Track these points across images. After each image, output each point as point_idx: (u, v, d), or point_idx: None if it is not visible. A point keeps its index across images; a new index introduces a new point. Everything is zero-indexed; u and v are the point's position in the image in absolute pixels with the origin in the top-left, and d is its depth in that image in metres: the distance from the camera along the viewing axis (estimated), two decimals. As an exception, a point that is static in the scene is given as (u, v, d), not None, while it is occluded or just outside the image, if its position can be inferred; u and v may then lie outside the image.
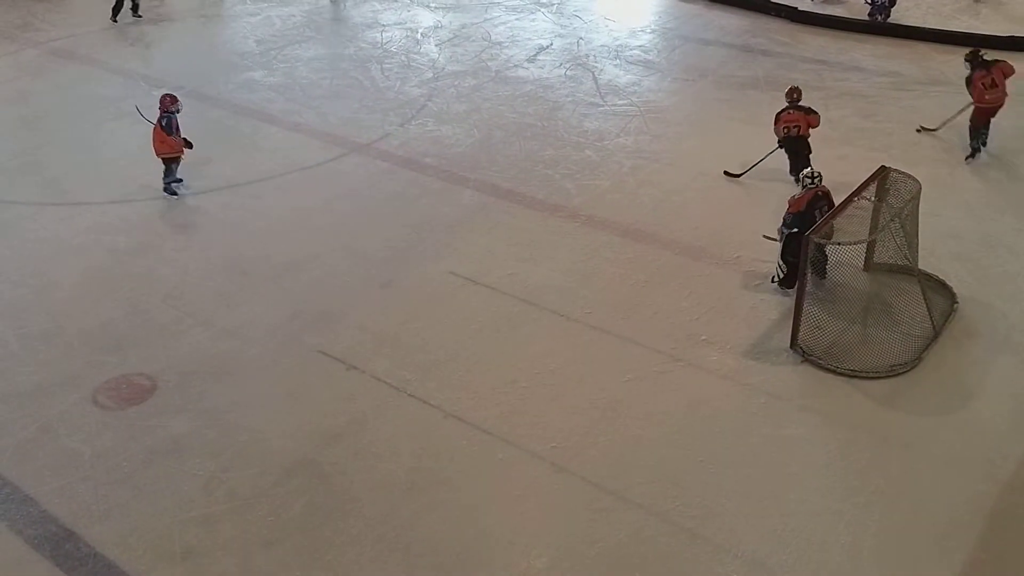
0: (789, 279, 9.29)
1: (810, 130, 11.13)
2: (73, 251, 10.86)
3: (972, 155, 12.01)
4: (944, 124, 12.55)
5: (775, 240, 9.56)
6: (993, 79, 11.63)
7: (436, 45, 16.55)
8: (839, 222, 8.46)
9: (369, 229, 11.09)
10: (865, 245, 9.12)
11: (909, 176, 8.90)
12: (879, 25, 16.23)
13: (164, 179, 11.83)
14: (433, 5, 18.80)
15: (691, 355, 8.73)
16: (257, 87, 15.32)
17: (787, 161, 11.29)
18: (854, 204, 8.69)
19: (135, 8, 18.74)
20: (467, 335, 9.16)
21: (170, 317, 9.59)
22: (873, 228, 8.87)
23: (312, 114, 14.25)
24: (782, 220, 9.25)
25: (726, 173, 11.84)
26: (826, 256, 8.99)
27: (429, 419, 8.10)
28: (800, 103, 11.23)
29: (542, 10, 18.35)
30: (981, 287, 9.35)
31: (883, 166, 9.07)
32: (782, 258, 9.35)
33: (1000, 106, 11.83)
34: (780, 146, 11.31)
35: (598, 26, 17.39)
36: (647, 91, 14.56)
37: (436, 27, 17.52)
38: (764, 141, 11.37)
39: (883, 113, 13.35)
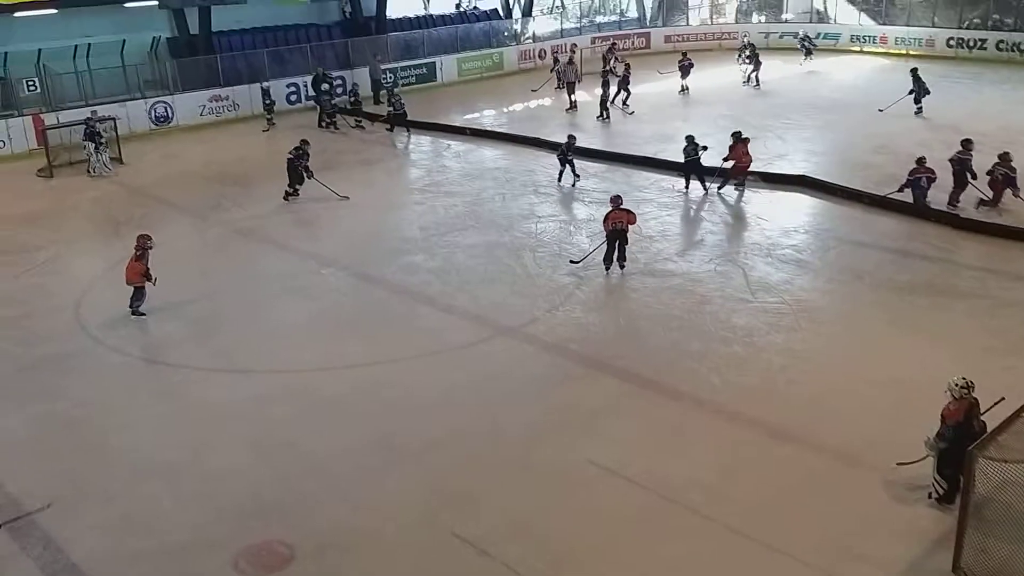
0: (949, 495, 8.79)
1: None
2: (232, 417, 11.44)
3: (721, 185, 19.24)
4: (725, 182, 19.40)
5: (912, 463, 9.19)
6: (746, 150, 19.03)
7: (587, 236, 17.07)
8: (1006, 438, 7.96)
9: (512, 411, 11.22)
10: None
11: (1084, 393, 8.37)
12: (1047, 234, 15.72)
13: (131, 303, 14.19)
14: (587, 200, 19.55)
15: (843, 570, 8.21)
16: (417, 270, 16.14)
17: None
18: (1022, 419, 8.19)
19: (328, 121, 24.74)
20: (602, 528, 8.96)
21: (314, 487, 9.84)
22: (1044, 446, 8.30)
23: (465, 297, 14.83)
24: (936, 433, 8.83)
25: (571, 262, 15.46)
26: (959, 478, 8.47)
27: (559, 615, 7.85)
28: (621, 205, 15.31)
29: (693, 207, 18.75)
30: None
31: (1055, 381, 8.58)
32: (939, 472, 8.89)
33: (749, 165, 19.14)
34: (607, 239, 15.03)
35: (750, 224, 17.59)
36: (799, 290, 14.43)
37: (589, 219, 18.11)
38: (925, 350, 10.95)
39: (1053, 325, 12.70)
